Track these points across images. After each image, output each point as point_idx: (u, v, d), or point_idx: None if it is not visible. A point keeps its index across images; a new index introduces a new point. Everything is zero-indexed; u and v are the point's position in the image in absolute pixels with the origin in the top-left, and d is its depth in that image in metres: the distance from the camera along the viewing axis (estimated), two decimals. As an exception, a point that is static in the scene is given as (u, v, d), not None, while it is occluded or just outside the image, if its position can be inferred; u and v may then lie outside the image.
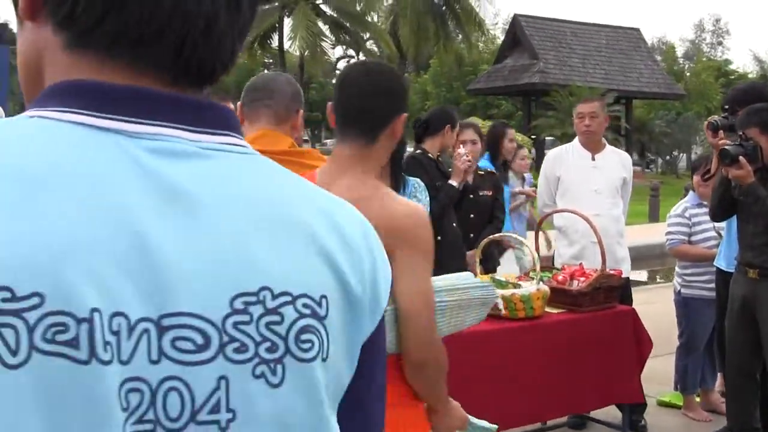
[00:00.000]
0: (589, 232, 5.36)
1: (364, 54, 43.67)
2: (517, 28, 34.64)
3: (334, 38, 42.78)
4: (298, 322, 0.93)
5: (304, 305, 0.94)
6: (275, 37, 39.94)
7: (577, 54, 34.03)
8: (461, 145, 5.98)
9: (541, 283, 4.96)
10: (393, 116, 2.57)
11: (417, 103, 44.05)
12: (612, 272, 5.30)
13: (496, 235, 5.20)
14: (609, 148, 6.25)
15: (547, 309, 5.09)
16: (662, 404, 6.40)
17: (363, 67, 2.96)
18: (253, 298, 0.90)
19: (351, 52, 47.62)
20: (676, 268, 6.10)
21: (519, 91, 33.99)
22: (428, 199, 5.41)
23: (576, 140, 6.23)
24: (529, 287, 4.91)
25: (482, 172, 6.34)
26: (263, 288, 0.91)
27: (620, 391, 5.25)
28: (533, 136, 28.66)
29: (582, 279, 5.20)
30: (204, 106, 0.95)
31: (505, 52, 35.35)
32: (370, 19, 41.82)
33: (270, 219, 0.95)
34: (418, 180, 5.43)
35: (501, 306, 4.84)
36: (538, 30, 34.18)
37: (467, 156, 5.68)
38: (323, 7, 40.49)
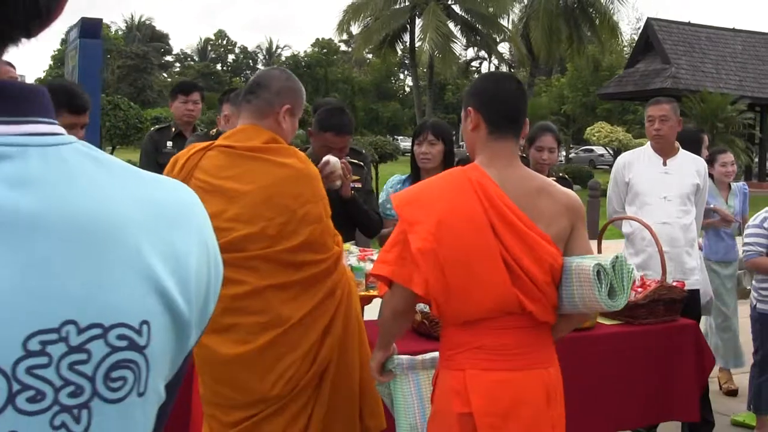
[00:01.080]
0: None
1: (496, 56, 43.37)
2: (649, 32, 33.78)
3: (465, 40, 42.60)
4: (108, 358, 0.82)
5: (120, 336, 0.82)
6: (406, 37, 40.02)
7: (710, 59, 32.94)
8: (539, 151, 5.83)
9: (592, 293, 4.78)
10: None
11: (554, 107, 43.52)
12: (674, 284, 5.06)
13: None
14: (682, 153, 5.95)
15: (601, 321, 4.92)
16: (736, 424, 6.14)
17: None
18: (53, 336, 0.78)
19: (483, 53, 47.34)
20: (753, 282, 5.78)
21: (649, 96, 33.05)
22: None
23: (648, 145, 5.98)
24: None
25: (554, 177, 6.00)
26: (67, 322, 0.79)
27: (676, 408, 5.00)
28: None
29: (640, 290, 4.98)
30: None
31: (637, 57, 34.54)
32: (502, 21, 41.51)
33: (87, 238, 0.82)
34: None
35: (548, 315, 4.70)
36: (670, 34, 33.25)
37: None
38: (455, 7, 40.38)
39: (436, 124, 5.32)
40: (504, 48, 45.41)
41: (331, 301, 3.44)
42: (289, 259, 3.33)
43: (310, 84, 67.53)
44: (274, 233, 3.31)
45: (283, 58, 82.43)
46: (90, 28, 10.60)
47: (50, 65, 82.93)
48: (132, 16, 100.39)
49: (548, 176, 5.93)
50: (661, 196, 5.73)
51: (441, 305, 3.01)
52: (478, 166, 3.07)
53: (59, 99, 4.24)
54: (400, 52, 43.92)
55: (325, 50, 73.93)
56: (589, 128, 36.33)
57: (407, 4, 38.71)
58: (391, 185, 5.49)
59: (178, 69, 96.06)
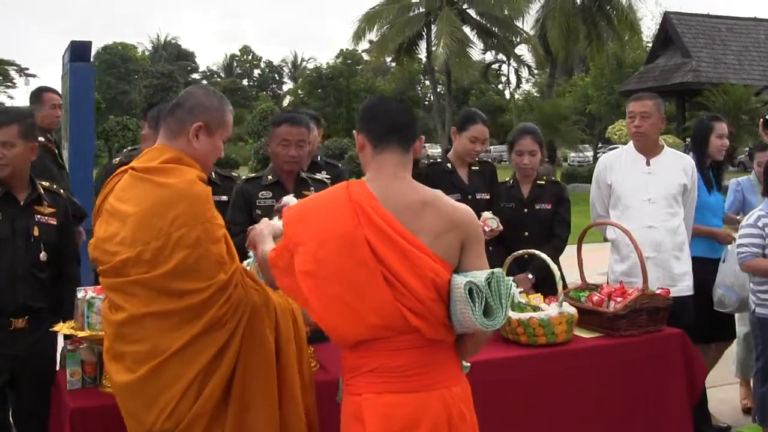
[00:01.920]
0: (642, 246, 4.81)
1: (514, 59, 43.04)
2: (668, 26, 33.26)
3: (482, 44, 42.29)
4: None
5: None
6: (422, 44, 39.84)
7: (732, 51, 32.35)
8: (519, 155, 5.60)
9: (565, 305, 4.47)
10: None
11: (579, 107, 43.12)
12: (657, 291, 4.73)
13: (521, 252, 4.71)
14: (668, 151, 5.60)
15: (581, 333, 4.62)
16: (742, 438, 5.74)
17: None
18: None
19: (501, 56, 46.97)
20: (750, 285, 5.39)
21: (671, 91, 32.51)
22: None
23: (631, 144, 5.64)
24: (549, 310, 4.43)
25: (542, 181, 5.79)
26: None
27: (665, 424, 4.65)
28: (687, 139, 27.38)
29: (619, 300, 4.66)
30: None
31: (657, 52, 34.04)
32: (518, 23, 41.14)
33: None
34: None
35: (518, 331, 4.40)
36: (690, 27, 32.72)
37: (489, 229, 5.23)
38: (469, 12, 40.09)
39: None
40: (523, 50, 45.00)
41: (217, 334, 3.14)
42: (164, 286, 3.09)
43: (333, 95, 67.53)
44: (150, 257, 3.08)
45: (307, 71, 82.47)
46: (80, 50, 10.56)
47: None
48: (158, 36, 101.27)
49: (537, 181, 5.72)
50: (645, 198, 5.41)
51: (329, 327, 2.97)
52: (362, 181, 3.03)
53: None
54: (424, 59, 43.71)
55: (349, 61, 73.91)
56: (610, 127, 35.83)
57: (421, 10, 38.51)
58: None
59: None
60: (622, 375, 4.53)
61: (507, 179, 5.90)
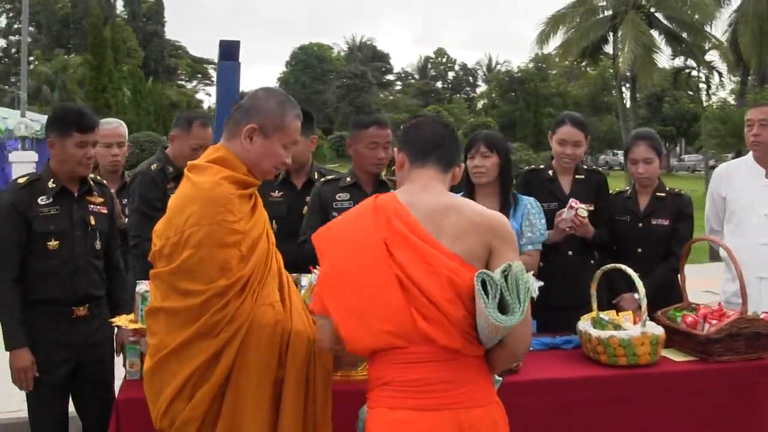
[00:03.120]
0: (756, 265, 4.47)
1: (704, 65, 41.31)
2: None
3: (670, 49, 40.77)
4: None
5: None
6: (607, 48, 38.81)
7: None
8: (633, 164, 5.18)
9: (650, 325, 4.19)
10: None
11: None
12: (762, 316, 4.36)
13: (610, 265, 4.43)
14: None
15: (671, 356, 4.32)
16: None
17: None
18: None
19: (691, 62, 45.15)
20: None
21: None
22: (544, 221, 4.80)
23: (750, 154, 5.23)
24: (632, 330, 4.15)
25: (663, 193, 5.25)
26: None
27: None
28: None
29: (715, 322, 4.32)
30: None
31: None
32: (708, 28, 39.37)
33: None
34: (533, 200, 4.83)
35: (598, 350, 4.15)
36: None
37: (570, 222, 4.93)
38: (657, 15, 38.73)
39: (489, 136, 4.84)
40: (714, 55, 43.07)
41: (210, 342, 3.09)
42: (173, 283, 3.12)
43: (523, 98, 66.80)
44: (168, 252, 3.13)
45: (501, 75, 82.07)
46: (228, 49, 10.89)
47: (276, 86, 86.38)
48: (353, 37, 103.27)
49: (657, 192, 5.23)
50: (762, 213, 5.00)
51: (345, 337, 2.87)
52: (392, 193, 2.99)
53: (70, 119, 4.32)
54: (617, 64, 42.64)
55: (541, 64, 73.02)
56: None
57: (607, 14, 37.53)
58: None
59: (399, 87, 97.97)
60: (712, 404, 4.19)
61: (625, 188, 5.50)
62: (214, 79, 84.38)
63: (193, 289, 3.09)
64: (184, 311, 3.11)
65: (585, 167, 5.35)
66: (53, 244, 4.26)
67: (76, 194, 4.39)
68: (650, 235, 5.15)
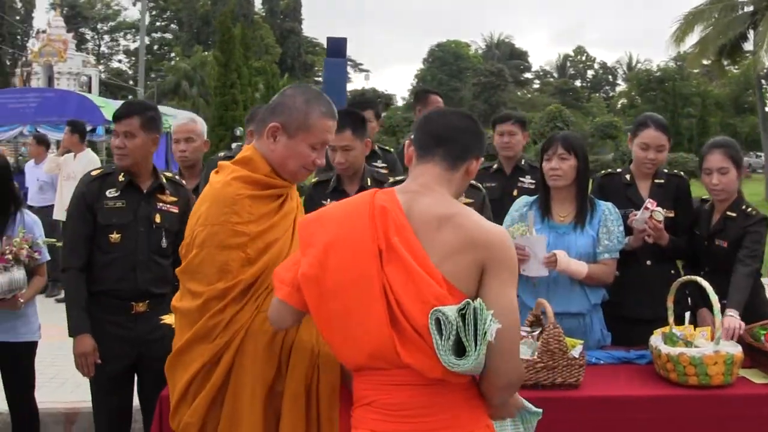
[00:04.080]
0: None
1: None
2: None
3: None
4: None
5: None
6: (746, 46, 37.23)
7: None
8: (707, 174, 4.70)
9: (725, 343, 3.88)
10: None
11: None
12: None
13: (685, 278, 4.12)
14: None
15: (752, 377, 4.00)
16: None
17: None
18: None
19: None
20: None
21: None
22: (622, 228, 4.52)
23: None
24: (705, 347, 3.86)
25: (734, 213, 4.69)
26: None
27: None
28: None
29: (798, 344, 3.99)
30: None
31: None
32: None
33: None
34: (611, 205, 4.56)
35: (667, 367, 3.88)
36: None
37: (644, 224, 4.61)
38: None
39: (567, 136, 4.56)
40: None
41: (207, 346, 3.01)
42: (183, 283, 3.13)
43: (661, 98, 65.07)
44: (184, 252, 3.16)
45: (640, 74, 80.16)
46: (335, 46, 11.06)
47: (412, 84, 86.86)
48: (491, 35, 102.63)
49: (728, 211, 4.72)
50: None
51: (331, 346, 2.72)
52: (391, 189, 2.73)
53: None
54: (756, 62, 40.97)
55: (680, 63, 70.96)
56: None
57: (747, 10, 35.97)
58: (516, 208, 4.73)
59: (537, 86, 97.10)
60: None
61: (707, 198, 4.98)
62: (351, 76, 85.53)
63: (195, 290, 3.05)
64: (188, 313, 3.07)
65: (665, 171, 5.02)
66: (115, 237, 4.31)
67: (144, 190, 4.41)
68: (713, 256, 4.73)
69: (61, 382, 5.47)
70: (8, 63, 68.38)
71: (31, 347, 4.92)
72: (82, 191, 4.39)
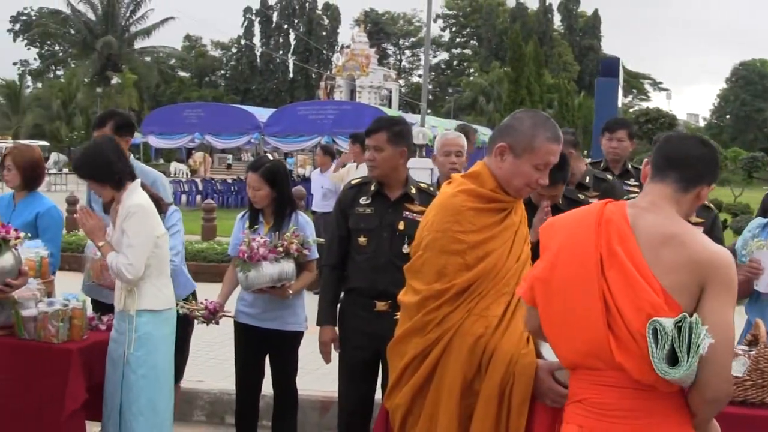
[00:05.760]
0: None
1: None
2: None
3: None
4: None
5: None
6: None
7: None
8: None
9: None
10: None
11: None
12: None
13: None
14: None
15: None
16: None
17: None
18: None
19: None
20: None
21: None
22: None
23: None
24: None
25: None
26: None
27: None
28: None
29: None
30: None
31: None
32: None
33: None
34: None
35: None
36: None
37: None
38: None
39: None
40: None
41: (419, 339, 3.34)
42: (407, 279, 3.53)
43: None
44: (412, 252, 3.54)
45: None
46: (607, 67, 11.11)
47: (713, 104, 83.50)
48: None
49: None
50: None
51: (551, 341, 2.92)
52: (622, 203, 2.89)
53: None
54: None
55: None
56: None
57: None
58: (749, 230, 4.67)
59: None
60: None
61: None
62: (650, 94, 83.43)
63: (416, 287, 3.38)
64: (408, 307, 3.41)
65: None
66: (362, 240, 4.71)
67: (392, 199, 4.74)
68: None
69: (324, 372, 5.81)
70: (313, 76, 72.44)
71: (296, 336, 5.32)
72: (340, 198, 4.94)
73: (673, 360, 2.54)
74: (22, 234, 4.65)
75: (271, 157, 5.40)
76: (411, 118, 31.93)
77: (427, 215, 3.47)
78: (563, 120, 40.40)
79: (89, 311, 4.98)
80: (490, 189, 3.37)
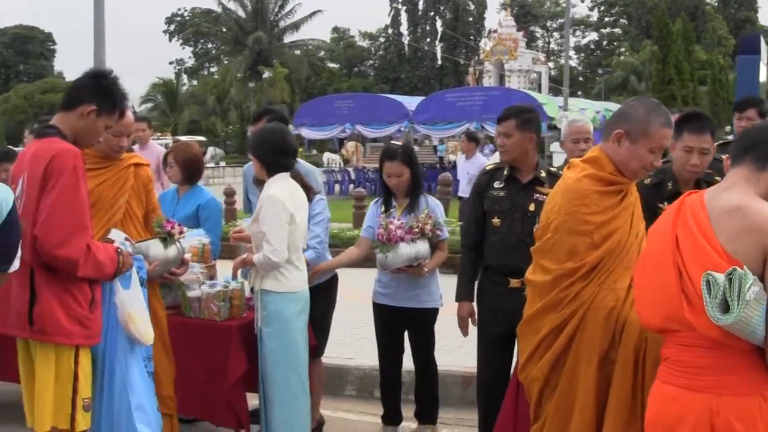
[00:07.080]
0: None
1: None
2: None
3: None
4: None
5: None
6: None
7: None
8: None
9: None
10: None
11: None
12: None
13: None
14: None
15: None
16: None
17: None
18: None
19: None
20: None
21: None
22: None
23: None
24: None
25: None
26: None
27: None
28: None
29: None
30: None
31: None
32: None
33: None
34: None
35: None
36: None
37: None
38: None
39: None
40: None
41: (554, 315, 3.64)
42: (537, 260, 3.88)
43: None
44: (539, 234, 3.87)
45: None
46: (748, 45, 10.95)
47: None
48: None
49: None
50: None
51: (638, 311, 3.26)
52: (703, 191, 3.18)
53: None
54: None
55: None
56: None
57: None
58: None
59: None
60: None
61: None
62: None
63: (547, 267, 3.69)
64: (539, 285, 3.72)
65: None
66: (496, 221, 5.06)
67: (523, 182, 5.06)
68: None
69: (466, 351, 6.07)
70: (462, 62, 72.29)
71: (432, 313, 5.68)
72: (476, 182, 5.32)
73: (724, 308, 2.80)
74: (185, 229, 5.12)
75: (397, 143, 5.80)
76: (557, 101, 31.66)
77: (552, 199, 3.78)
78: (717, 97, 39.04)
79: (247, 292, 5.39)
80: (609, 172, 3.67)
